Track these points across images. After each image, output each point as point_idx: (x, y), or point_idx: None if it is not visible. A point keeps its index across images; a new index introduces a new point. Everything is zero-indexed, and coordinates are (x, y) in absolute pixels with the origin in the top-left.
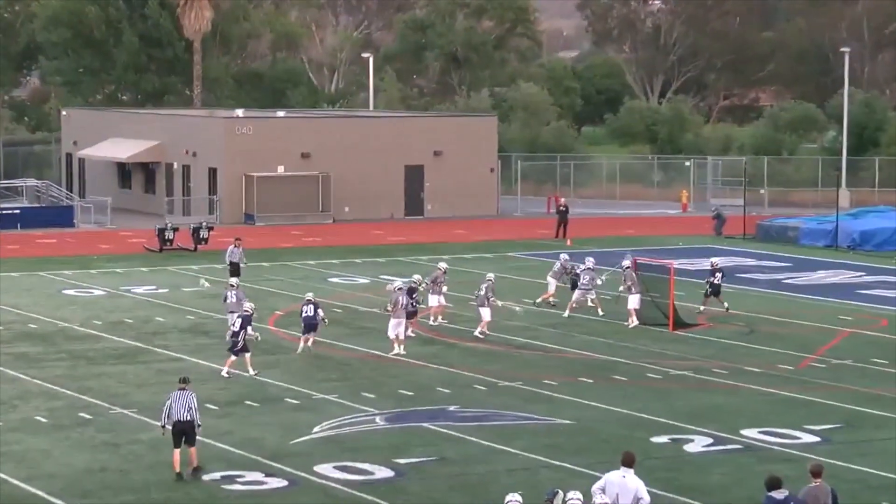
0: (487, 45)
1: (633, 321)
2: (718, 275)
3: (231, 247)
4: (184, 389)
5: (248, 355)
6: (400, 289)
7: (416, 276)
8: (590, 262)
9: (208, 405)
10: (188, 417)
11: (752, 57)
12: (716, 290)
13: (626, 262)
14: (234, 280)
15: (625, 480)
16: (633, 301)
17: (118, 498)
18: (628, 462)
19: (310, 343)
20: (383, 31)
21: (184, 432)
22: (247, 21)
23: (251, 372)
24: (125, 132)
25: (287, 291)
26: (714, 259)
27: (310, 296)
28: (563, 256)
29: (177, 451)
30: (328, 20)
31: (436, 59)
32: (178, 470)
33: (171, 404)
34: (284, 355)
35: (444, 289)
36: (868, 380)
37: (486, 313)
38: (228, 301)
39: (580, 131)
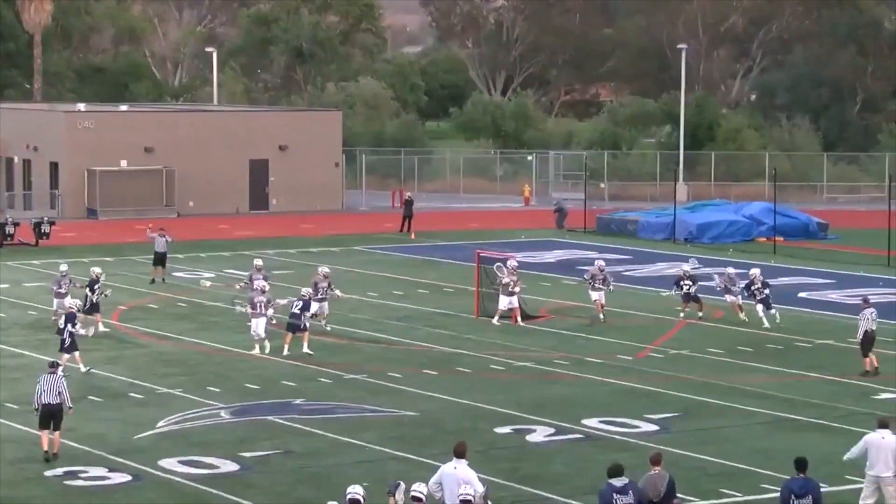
0: (333, 40)
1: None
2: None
3: (156, 236)
4: (53, 373)
5: (77, 353)
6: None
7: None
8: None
9: None
10: (57, 401)
11: (592, 53)
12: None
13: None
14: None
15: (456, 472)
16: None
17: None
18: (460, 453)
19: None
20: (227, 25)
21: (51, 415)
22: (88, 15)
23: (83, 368)
24: None
25: (131, 286)
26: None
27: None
28: (599, 263)
29: (44, 433)
30: (171, 14)
31: (281, 53)
32: (45, 449)
33: (40, 388)
34: (128, 350)
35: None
36: (704, 369)
37: (325, 306)
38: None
39: (424, 125)
